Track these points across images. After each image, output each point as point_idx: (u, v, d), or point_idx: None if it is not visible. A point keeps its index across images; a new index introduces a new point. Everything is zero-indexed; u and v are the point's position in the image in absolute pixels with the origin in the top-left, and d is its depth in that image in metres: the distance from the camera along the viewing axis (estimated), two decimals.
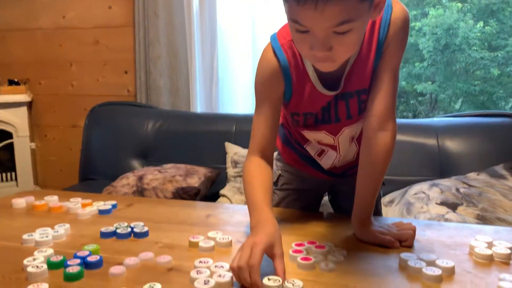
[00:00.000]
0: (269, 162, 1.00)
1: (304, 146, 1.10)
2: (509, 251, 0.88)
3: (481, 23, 3.92)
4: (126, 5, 2.61)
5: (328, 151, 1.08)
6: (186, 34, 2.40)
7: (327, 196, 1.32)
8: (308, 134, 1.06)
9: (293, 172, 1.22)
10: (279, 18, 2.18)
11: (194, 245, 0.92)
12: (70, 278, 0.77)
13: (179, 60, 2.45)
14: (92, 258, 0.83)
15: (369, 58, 0.93)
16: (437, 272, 0.78)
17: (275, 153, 1.24)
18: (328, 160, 1.11)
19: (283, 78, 0.95)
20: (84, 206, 1.19)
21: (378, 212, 1.23)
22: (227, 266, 0.80)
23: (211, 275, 0.77)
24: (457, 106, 4.28)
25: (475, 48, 3.96)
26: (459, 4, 3.95)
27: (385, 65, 0.94)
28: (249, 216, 0.91)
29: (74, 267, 0.79)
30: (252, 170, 0.98)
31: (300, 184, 1.22)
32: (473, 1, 3.98)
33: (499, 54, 3.93)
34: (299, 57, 0.94)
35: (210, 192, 1.90)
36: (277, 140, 1.21)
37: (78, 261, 0.82)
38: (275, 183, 1.25)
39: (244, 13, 2.37)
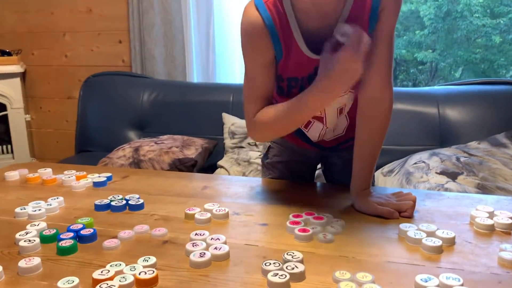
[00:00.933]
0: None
1: None
2: (510, 221, 0.87)
3: None
4: None
5: (314, 122, 1.05)
6: (181, 0, 2.33)
7: (320, 170, 1.30)
8: None
9: (283, 143, 1.19)
10: None
11: (190, 217, 0.91)
12: (63, 252, 0.76)
13: (174, 28, 2.38)
14: (85, 232, 0.82)
15: (362, 21, 0.89)
16: (437, 243, 0.77)
17: None
18: (314, 133, 1.08)
19: (269, 37, 0.91)
20: (78, 179, 1.17)
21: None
22: (223, 238, 0.79)
23: (207, 248, 0.75)
24: (457, 75, 4.22)
25: (477, 15, 3.87)
26: None
27: (380, 31, 0.90)
28: (303, 108, 0.89)
29: (67, 241, 0.78)
30: (266, 117, 0.95)
31: (291, 156, 1.19)
32: None
33: (502, 21, 3.86)
34: (284, 16, 0.90)
35: (208, 164, 1.89)
36: None
37: (71, 234, 0.81)
38: (265, 155, 1.23)
39: None
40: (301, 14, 0.90)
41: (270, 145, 1.22)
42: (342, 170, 1.13)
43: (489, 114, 1.76)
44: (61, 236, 0.80)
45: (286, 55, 0.93)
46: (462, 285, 0.64)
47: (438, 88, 1.95)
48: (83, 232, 0.82)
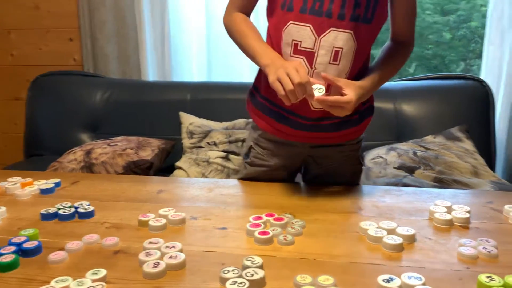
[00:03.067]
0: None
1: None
2: (468, 215, 0.88)
3: None
4: None
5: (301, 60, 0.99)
6: None
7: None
8: (291, 30, 0.96)
9: (266, 144, 1.14)
10: None
11: (143, 224, 0.86)
12: (2, 268, 0.70)
13: (126, 25, 2.29)
14: (29, 244, 0.76)
15: None
16: (398, 241, 0.76)
17: (251, 121, 1.17)
18: None
19: None
20: (23, 186, 1.09)
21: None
22: (179, 245, 0.75)
23: (161, 257, 0.71)
24: (411, 70, 4.34)
25: (428, 12, 3.99)
26: None
27: None
28: (255, 59, 0.98)
29: (7, 256, 0.72)
30: (241, 21, 1.04)
31: (271, 159, 1.14)
32: None
33: (451, 18, 3.99)
34: None
35: (166, 165, 1.83)
36: (251, 109, 1.15)
37: (13, 248, 0.75)
38: (246, 155, 1.19)
39: None
40: None
41: (251, 145, 1.17)
42: (323, 167, 1.14)
43: (443, 108, 1.80)
44: (1, 251, 0.73)
45: None
46: (423, 284, 0.63)
47: (394, 84, 1.97)
48: (26, 245, 0.76)
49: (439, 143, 1.62)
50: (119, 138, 1.76)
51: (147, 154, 1.61)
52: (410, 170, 1.47)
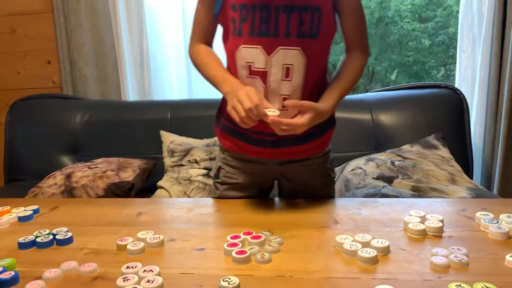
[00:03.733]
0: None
1: None
2: (440, 224, 0.90)
3: None
4: None
5: (255, 80, 1.03)
6: (111, 16, 2.25)
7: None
8: (244, 53, 1.01)
9: (235, 162, 1.16)
10: None
11: (122, 248, 0.86)
12: None
13: (105, 46, 2.30)
14: (5, 275, 0.75)
15: None
16: (372, 253, 0.78)
17: (216, 141, 1.20)
18: None
19: None
20: (1, 214, 1.08)
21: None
22: (157, 269, 0.75)
23: (139, 282, 0.72)
24: (393, 77, 4.41)
25: (407, 20, 4.08)
26: None
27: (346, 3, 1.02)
28: (217, 87, 1.04)
29: None
30: (203, 53, 1.10)
31: (241, 176, 1.17)
32: None
33: (429, 25, 4.08)
34: None
35: (148, 184, 1.83)
36: (217, 131, 1.18)
37: None
38: (216, 175, 1.21)
39: None
40: None
41: (220, 166, 1.19)
42: (296, 181, 1.17)
43: (419, 117, 1.83)
44: None
45: None
46: None
47: (371, 95, 2.01)
48: (2, 276, 0.75)
49: (416, 151, 1.65)
50: (99, 160, 1.75)
51: (128, 175, 1.61)
52: (389, 180, 1.50)
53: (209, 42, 1.13)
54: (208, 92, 2.26)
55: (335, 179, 1.24)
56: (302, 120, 0.95)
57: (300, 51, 0.99)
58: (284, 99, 1.02)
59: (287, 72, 1.01)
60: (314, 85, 1.04)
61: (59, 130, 2.08)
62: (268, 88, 1.02)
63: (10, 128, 2.15)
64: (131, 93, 2.34)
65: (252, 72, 1.02)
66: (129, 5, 2.25)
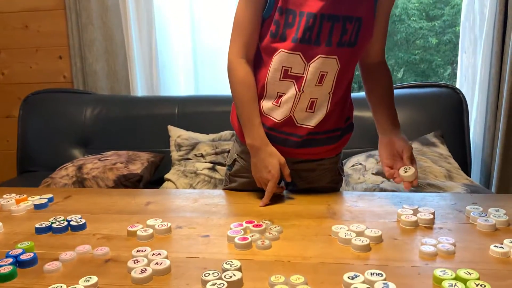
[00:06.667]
0: (251, 67, 1.09)
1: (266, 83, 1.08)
2: (431, 216, 0.95)
3: None
4: None
5: (287, 93, 1.06)
6: (121, 14, 2.32)
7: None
8: (282, 57, 1.03)
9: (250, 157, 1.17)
10: None
11: (132, 234, 0.92)
12: (2, 278, 0.76)
13: (115, 43, 2.37)
14: (25, 256, 0.82)
15: None
16: (365, 242, 0.83)
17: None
18: (286, 104, 1.07)
19: None
20: (18, 202, 1.15)
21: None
22: (164, 253, 0.81)
23: (148, 264, 0.78)
24: (399, 75, 4.44)
25: (414, 19, 4.10)
26: None
27: (381, 8, 1.06)
28: (243, 127, 1.10)
29: (6, 267, 0.77)
30: (242, 78, 1.08)
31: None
32: None
33: (436, 24, 4.10)
34: None
35: (155, 177, 1.89)
36: (235, 121, 1.19)
37: (10, 260, 0.80)
38: (230, 166, 1.25)
39: None
40: None
41: (235, 158, 1.22)
42: (306, 185, 1.22)
43: (419, 115, 1.88)
44: (0, 263, 0.79)
45: None
46: (385, 279, 0.70)
47: None
48: (22, 257, 0.81)
49: (415, 148, 1.70)
50: (109, 152, 1.82)
51: (136, 167, 1.67)
52: None
53: (251, 56, 1.08)
54: (214, 89, 2.32)
55: (343, 177, 1.28)
56: (414, 168, 1.05)
57: (336, 59, 1.03)
58: (313, 102, 1.07)
59: (321, 78, 1.05)
60: (341, 90, 1.09)
61: (70, 124, 2.15)
62: (300, 92, 1.06)
63: (23, 121, 2.22)
64: (139, 89, 2.40)
65: (287, 76, 1.05)
66: (139, 3, 2.32)
